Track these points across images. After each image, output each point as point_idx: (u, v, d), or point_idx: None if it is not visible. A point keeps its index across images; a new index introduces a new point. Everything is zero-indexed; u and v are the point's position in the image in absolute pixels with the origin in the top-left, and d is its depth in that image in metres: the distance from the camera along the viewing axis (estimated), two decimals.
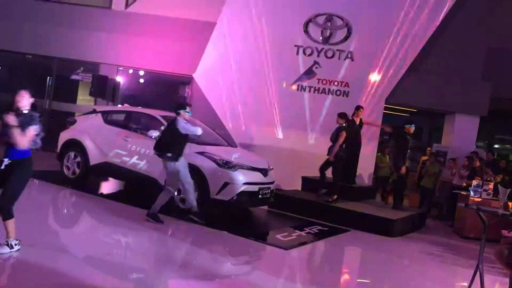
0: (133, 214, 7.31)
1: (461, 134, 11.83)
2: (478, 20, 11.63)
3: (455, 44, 11.63)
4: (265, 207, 8.97)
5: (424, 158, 12.22)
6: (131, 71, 13.94)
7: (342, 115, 9.04)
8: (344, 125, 8.93)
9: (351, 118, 9.59)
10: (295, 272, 5.94)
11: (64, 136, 9.18)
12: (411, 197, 12.37)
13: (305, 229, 7.78)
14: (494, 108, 12.01)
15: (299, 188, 10.42)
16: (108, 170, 8.68)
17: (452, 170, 10.87)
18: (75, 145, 8.92)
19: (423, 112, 14.65)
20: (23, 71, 14.05)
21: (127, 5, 13.30)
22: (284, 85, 11.95)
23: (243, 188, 7.56)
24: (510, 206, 6.25)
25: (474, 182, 9.08)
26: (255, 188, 7.78)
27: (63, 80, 14.00)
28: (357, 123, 9.90)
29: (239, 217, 8.38)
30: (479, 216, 5.22)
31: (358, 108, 10.00)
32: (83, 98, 14.34)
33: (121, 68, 13.57)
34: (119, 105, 12.70)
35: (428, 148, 12.60)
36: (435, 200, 11.35)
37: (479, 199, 8.68)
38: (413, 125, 9.32)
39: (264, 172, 8.06)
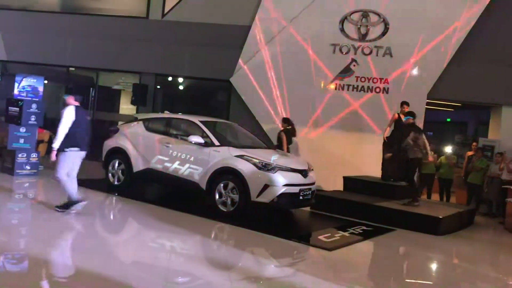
0: (177, 219, 7.47)
1: (508, 127, 11.38)
2: None
3: (498, 33, 11.21)
4: (307, 209, 8.93)
5: (470, 153, 11.86)
6: (170, 78, 14.19)
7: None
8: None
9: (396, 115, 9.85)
10: (339, 273, 5.87)
11: (108, 145, 9.43)
12: (458, 194, 12.04)
13: (348, 229, 7.70)
14: None
15: (341, 189, 10.31)
16: (151, 176, 8.83)
17: (500, 165, 10.50)
18: (118, 153, 9.15)
19: (468, 106, 14.24)
20: (68, 83, 14.56)
21: (163, 14, 13.57)
22: (323, 84, 11.88)
23: (283, 190, 7.55)
24: None
25: None
26: (295, 189, 7.75)
27: (106, 91, 14.44)
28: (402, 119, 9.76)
29: (280, 219, 8.37)
30: None
31: (402, 104, 9.94)
32: (126, 107, 14.73)
33: (160, 76, 13.85)
34: (160, 113, 12.95)
35: (474, 143, 12.20)
36: (484, 197, 10.99)
37: None
38: (410, 117, 9.17)
39: (304, 173, 8.02)
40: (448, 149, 13.28)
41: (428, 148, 9.11)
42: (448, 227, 8.37)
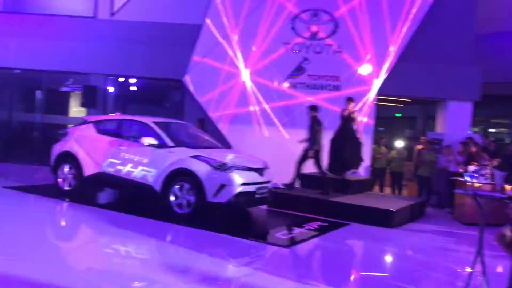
0: (131, 223, 7.33)
1: (454, 120, 11.87)
2: (464, 5, 11.66)
3: (443, 31, 11.67)
4: (264, 207, 8.96)
5: (419, 147, 12.25)
6: (121, 79, 13.89)
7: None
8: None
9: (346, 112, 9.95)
10: (296, 269, 5.92)
11: (56, 149, 9.14)
12: (409, 187, 12.41)
13: (304, 225, 7.79)
14: (489, 93, 12.02)
15: (297, 185, 10.40)
16: (103, 180, 8.63)
17: (448, 157, 10.89)
18: (68, 157, 8.88)
19: (416, 101, 14.70)
20: (12, 86, 13.97)
21: (112, 14, 13.25)
22: (276, 83, 11.96)
23: (240, 189, 7.54)
24: (507, 190, 6.27)
25: (471, 168, 9.12)
26: (252, 188, 7.76)
27: (53, 93, 13.94)
28: (347, 115, 9.89)
29: (238, 219, 8.36)
30: (476, 201, 5.22)
31: (348, 100, 10.04)
32: (76, 110, 14.29)
33: (110, 77, 13.53)
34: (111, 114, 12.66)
35: (422, 137, 12.61)
36: (433, 188, 11.37)
37: (477, 184, 8.69)
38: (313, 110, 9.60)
39: (260, 171, 8.05)
40: (399, 143, 13.67)
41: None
42: (400, 219, 8.62)
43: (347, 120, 9.88)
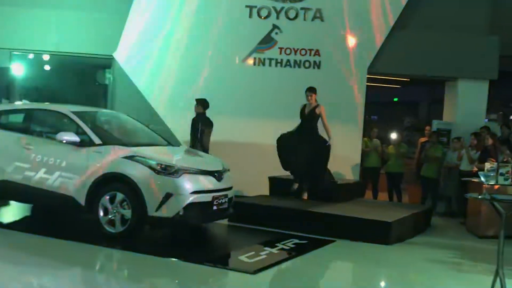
0: (47, 247, 7.19)
1: (466, 105, 12.09)
2: None
3: None
4: (224, 221, 8.92)
5: (423, 139, 12.41)
6: (30, 55, 13.57)
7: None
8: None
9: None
10: None
11: None
12: (411, 191, 12.58)
13: (277, 244, 7.77)
14: (509, 69, 12.28)
15: (267, 193, 10.42)
16: (7, 190, 8.41)
17: (459, 153, 11.08)
18: None
19: (418, 82, 14.94)
20: None
21: None
22: (237, 60, 11.94)
23: (191, 199, 7.48)
24: None
25: (488, 166, 9.29)
26: (207, 197, 7.71)
27: None
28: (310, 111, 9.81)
29: (189, 238, 8.31)
30: (495, 207, 5.33)
31: (308, 91, 9.93)
32: None
33: (16, 53, 13.22)
34: (17, 102, 12.38)
35: (427, 127, 12.76)
36: (441, 193, 11.56)
37: (495, 187, 8.88)
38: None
39: (218, 175, 8.01)
40: (396, 136, 13.69)
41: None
42: (400, 233, 8.73)
43: (309, 118, 9.79)
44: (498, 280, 5.26)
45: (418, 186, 12.20)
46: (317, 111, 9.68)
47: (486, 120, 12.80)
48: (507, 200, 5.44)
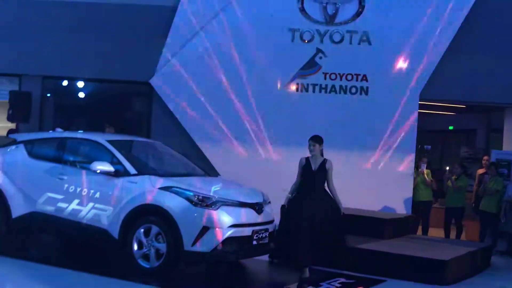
0: (78, 283, 7.25)
1: None
2: None
3: (508, 13, 11.73)
4: (264, 257, 8.88)
5: (481, 171, 12.22)
6: (64, 82, 13.91)
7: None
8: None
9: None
10: None
11: None
12: (468, 227, 12.35)
13: (322, 284, 7.70)
14: None
15: None
16: (38, 222, 8.58)
17: None
18: None
19: (475, 109, 14.75)
20: None
21: None
22: (279, 85, 11.99)
23: (229, 233, 7.48)
24: None
25: None
26: (247, 231, 7.71)
27: None
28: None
29: (227, 274, 8.30)
30: None
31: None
32: (2, 126, 14.28)
33: (49, 79, 13.56)
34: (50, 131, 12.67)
35: (485, 157, 12.60)
36: (501, 229, 11.33)
37: None
38: None
39: (259, 207, 8.01)
40: (454, 167, 13.24)
41: None
42: (457, 272, 8.55)
43: (319, 175, 7.89)
44: None
45: (476, 222, 11.96)
46: (327, 166, 7.91)
47: None
48: None
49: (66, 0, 13.04)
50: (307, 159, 7.95)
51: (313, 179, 7.84)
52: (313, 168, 7.84)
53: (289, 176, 10.76)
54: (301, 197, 7.71)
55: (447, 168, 13.12)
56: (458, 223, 12.06)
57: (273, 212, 8.35)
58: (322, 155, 7.99)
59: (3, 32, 13.07)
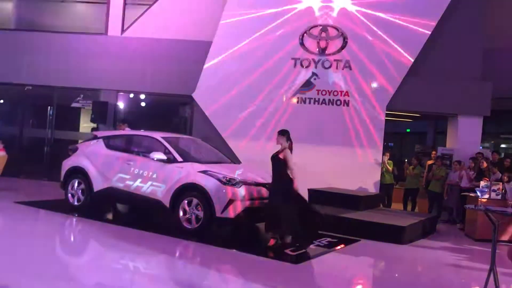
0: (140, 238, 7.31)
1: (465, 136, 11.77)
2: (473, 21, 11.67)
3: (452, 46, 11.66)
4: None
5: (430, 162, 12.15)
6: (131, 95, 14.00)
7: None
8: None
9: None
10: (306, 286, 5.84)
11: (67, 164, 9.19)
12: (420, 203, 12.28)
13: (314, 241, 7.68)
14: (498, 108, 11.94)
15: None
16: (112, 195, 8.66)
17: (460, 173, 10.78)
18: (78, 173, 8.93)
19: (426, 116, 14.64)
20: (24, 102, 14.14)
21: (123, 30, 13.42)
22: (284, 98, 11.98)
23: (248, 204, 7.51)
24: None
25: (482, 183, 9.03)
26: (260, 204, 7.69)
27: (64, 109, 14.08)
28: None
29: (246, 235, 8.32)
30: (488, 217, 5.16)
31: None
32: (87, 126, 14.38)
33: (121, 93, 13.65)
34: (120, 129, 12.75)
35: (433, 152, 12.54)
36: (444, 204, 11.25)
37: (488, 200, 8.60)
38: None
39: (269, 187, 7.98)
40: (412, 159, 13.17)
41: None
42: (411, 235, 8.51)
43: (280, 165, 7.13)
44: (491, 275, 5.06)
45: (426, 199, 11.89)
46: (284, 155, 7.12)
47: (481, 147, 12.40)
48: (498, 211, 5.26)
49: (138, 37, 13.15)
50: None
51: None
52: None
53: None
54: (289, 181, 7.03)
55: (406, 160, 13.08)
56: (413, 200, 12.04)
57: None
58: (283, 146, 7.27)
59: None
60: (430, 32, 11.36)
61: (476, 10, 11.70)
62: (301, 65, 11.89)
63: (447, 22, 11.51)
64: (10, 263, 5.58)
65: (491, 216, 5.11)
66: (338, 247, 7.61)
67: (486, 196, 8.83)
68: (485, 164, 10.34)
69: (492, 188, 8.87)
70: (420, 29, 11.40)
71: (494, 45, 11.96)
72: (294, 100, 11.95)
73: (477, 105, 11.59)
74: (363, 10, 11.70)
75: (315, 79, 11.82)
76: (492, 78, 11.56)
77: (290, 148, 7.34)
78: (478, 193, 8.87)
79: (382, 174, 11.62)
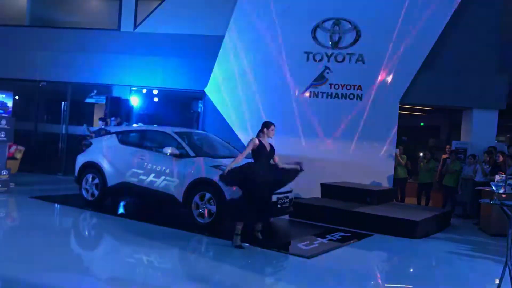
0: (153, 232, 7.37)
1: (480, 129, 11.63)
2: (489, 13, 11.49)
3: (467, 39, 11.51)
4: (285, 217, 8.90)
5: (444, 156, 12.04)
6: (144, 90, 14.06)
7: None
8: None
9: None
10: (319, 280, 5.84)
11: (80, 159, 9.28)
12: (434, 197, 12.19)
13: (326, 236, 7.71)
14: None
15: (319, 196, 10.33)
16: (126, 190, 8.72)
17: (474, 167, 10.67)
18: (92, 167, 9.01)
19: (440, 110, 14.49)
20: (39, 98, 14.29)
21: (135, 26, 13.48)
22: (297, 93, 11.94)
23: None
24: None
25: (497, 177, 8.90)
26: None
27: (78, 104, 14.20)
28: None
29: (260, 228, 8.30)
30: (504, 211, 5.10)
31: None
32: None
33: (134, 88, 13.72)
34: (134, 125, 12.82)
35: (447, 146, 12.42)
36: (459, 199, 11.15)
37: (504, 194, 8.48)
38: None
39: None
40: (426, 153, 13.07)
41: None
42: (425, 230, 8.46)
43: (268, 155, 7.02)
44: (507, 269, 5.02)
45: (440, 193, 11.79)
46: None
47: (496, 141, 12.24)
48: None
49: (150, 33, 13.18)
50: (260, 140, 7.01)
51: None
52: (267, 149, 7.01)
53: (300, 156, 10.65)
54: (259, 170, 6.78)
55: (420, 154, 12.95)
56: (427, 194, 11.91)
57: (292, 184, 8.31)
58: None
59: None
60: (445, 25, 11.21)
61: (493, 1, 11.52)
62: (314, 59, 11.83)
63: (463, 14, 11.35)
64: (26, 255, 5.67)
65: (506, 210, 5.06)
66: (351, 242, 7.59)
67: (502, 190, 8.71)
68: (501, 158, 10.19)
69: (508, 182, 8.74)
70: (435, 22, 11.25)
71: (509, 37, 11.78)
72: (307, 94, 11.90)
73: (492, 98, 11.43)
74: (376, 2, 11.58)
75: (328, 72, 11.75)
76: (509, 71, 11.40)
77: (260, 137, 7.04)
78: (493, 187, 8.75)
79: (396, 168, 11.53)
